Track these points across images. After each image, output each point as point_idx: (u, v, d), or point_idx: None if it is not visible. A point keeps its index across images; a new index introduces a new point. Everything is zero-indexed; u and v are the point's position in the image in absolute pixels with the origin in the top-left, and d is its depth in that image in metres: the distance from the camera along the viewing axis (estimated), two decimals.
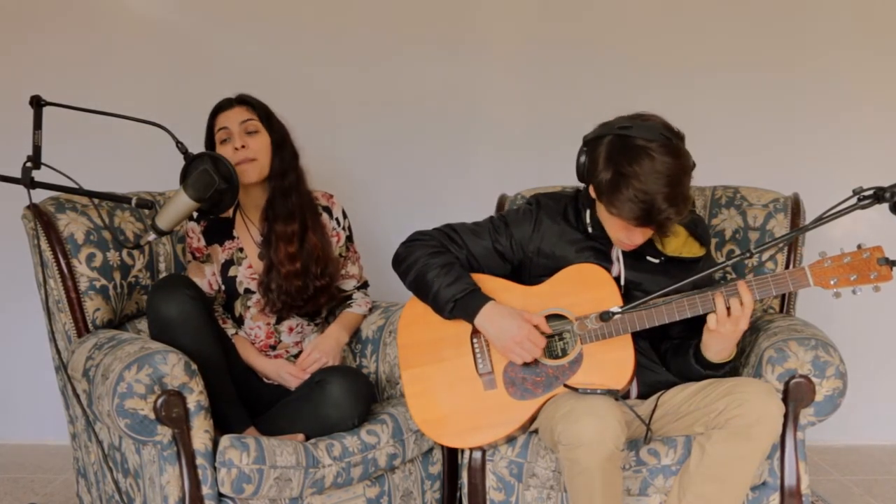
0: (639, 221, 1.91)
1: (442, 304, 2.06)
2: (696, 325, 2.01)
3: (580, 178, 2.05)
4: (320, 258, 2.35)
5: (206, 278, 2.35)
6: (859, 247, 1.87)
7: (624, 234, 1.99)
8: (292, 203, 2.33)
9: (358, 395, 2.15)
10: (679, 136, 1.95)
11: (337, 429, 2.14)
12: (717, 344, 1.96)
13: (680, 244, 2.11)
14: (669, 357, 2.12)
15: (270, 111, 2.37)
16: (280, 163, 2.33)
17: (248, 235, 2.38)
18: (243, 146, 2.28)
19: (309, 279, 2.33)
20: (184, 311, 2.06)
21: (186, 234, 2.40)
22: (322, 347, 2.34)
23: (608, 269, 2.08)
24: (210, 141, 2.35)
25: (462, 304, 2.05)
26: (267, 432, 2.14)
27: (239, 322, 2.38)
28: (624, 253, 2.08)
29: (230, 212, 2.39)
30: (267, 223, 2.35)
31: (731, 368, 2.04)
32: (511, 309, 2.03)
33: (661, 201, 1.87)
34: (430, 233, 2.17)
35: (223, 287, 2.37)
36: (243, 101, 2.35)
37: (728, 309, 1.89)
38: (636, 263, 2.09)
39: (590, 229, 2.10)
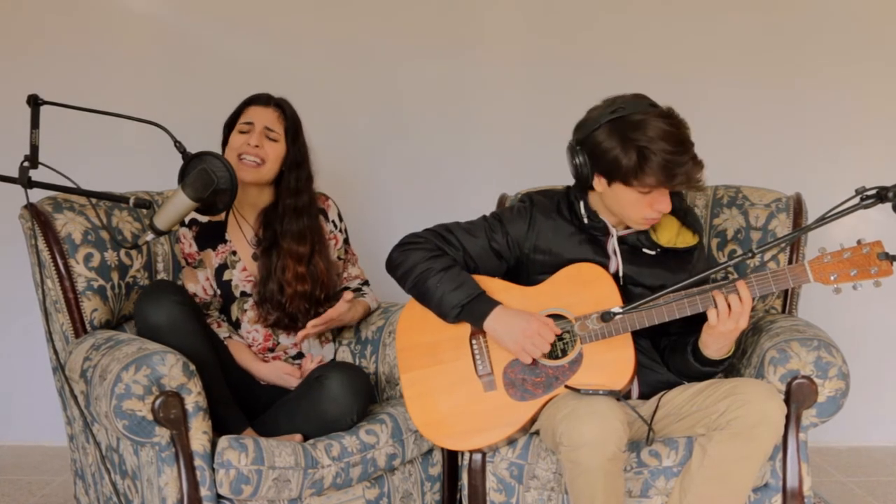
0: (679, 177, 1.92)
1: (447, 310, 2.05)
2: (694, 322, 2.00)
3: (579, 178, 2.05)
4: (325, 283, 2.34)
5: (200, 284, 2.34)
6: (859, 242, 1.87)
7: (651, 210, 1.99)
8: (304, 224, 2.33)
9: (356, 391, 2.14)
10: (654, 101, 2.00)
11: (336, 425, 2.13)
12: (717, 342, 1.96)
13: (673, 235, 2.12)
14: (668, 354, 2.11)
15: (300, 128, 2.36)
16: (296, 182, 2.33)
17: (241, 236, 2.37)
18: (258, 145, 2.27)
19: (312, 303, 2.32)
20: (171, 317, 2.05)
21: (178, 239, 2.38)
22: (338, 308, 2.31)
23: (605, 264, 2.07)
24: (232, 122, 2.34)
25: (469, 309, 2.04)
26: (266, 433, 2.13)
27: (236, 326, 2.37)
28: (621, 246, 2.08)
29: (222, 214, 2.37)
30: (267, 231, 2.33)
31: (728, 365, 2.04)
32: (518, 310, 2.03)
33: (688, 158, 1.92)
34: (424, 235, 2.15)
35: (219, 291, 2.35)
36: (280, 106, 2.33)
37: (729, 307, 1.88)
38: (633, 257, 2.08)
39: (585, 220, 2.09)
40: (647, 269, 2.08)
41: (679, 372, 2.08)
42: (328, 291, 2.36)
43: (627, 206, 2.01)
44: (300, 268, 2.30)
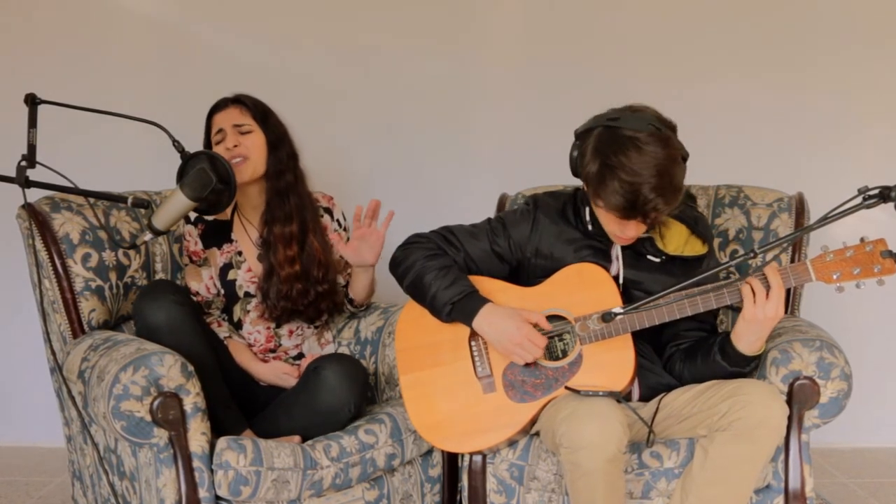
0: (624, 213, 1.89)
1: (440, 307, 2.04)
2: (706, 326, 1.98)
3: (574, 173, 2.04)
4: (321, 262, 2.33)
5: (204, 282, 2.33)
6: (862, 240, 1.85)
7: (616, 227, 1.98)
8: (290, 204, 2.31)
9: (353, 380, 2.14)
10: (670, 127, 1.94)
11: (334, 416, 2.12)
12: (753, 333, 1.90)
13: (682, 243, 2.09)
14: (680, 360, 2.07)
15: (268, 110, 2.35)
16: (276, 162, 2.31)
17: (246, 238, 2.36)
18: (235, 145, 2.26)
19: (310, 284, 2.31)
20: (170, 317, 2.04)
21: (183, 236, 2.37)
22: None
23: (607, 269, 2.06)
24: (207, 140, 2.34)
25: (460, 307, 2.03)
26: (264, 430, 2.13)
27: (238, 326, 2.36)
28: (624, 252, 2.07)
29: (228, 214, 2.37)
30: (266, 226, 2.33)
31: (755, 367, 1.98)
32: (509, 309, 2.01)
33: (647, 191, 1.85)
34: (427, 235, 2.15)
35: (222, 291, 2.35)
36: (239, 101, 2.33)
37: (766, 290, 1.84)
38: (636, 262, 2.07)
39: (590, 226, 2.08)
40: (649, 275, 2.06)
41: (695, 377, 2.02)
42: (327, 271, 2.34)
43: (599, 216, 2.02)
44: (290, 251, 2.29)
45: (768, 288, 1.85)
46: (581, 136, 1.99)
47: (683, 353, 2.07)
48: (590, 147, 1.93)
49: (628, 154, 1.85)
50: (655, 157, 1.86)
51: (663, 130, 1.90)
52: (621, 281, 2.05)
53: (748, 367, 1.96)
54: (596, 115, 1.99)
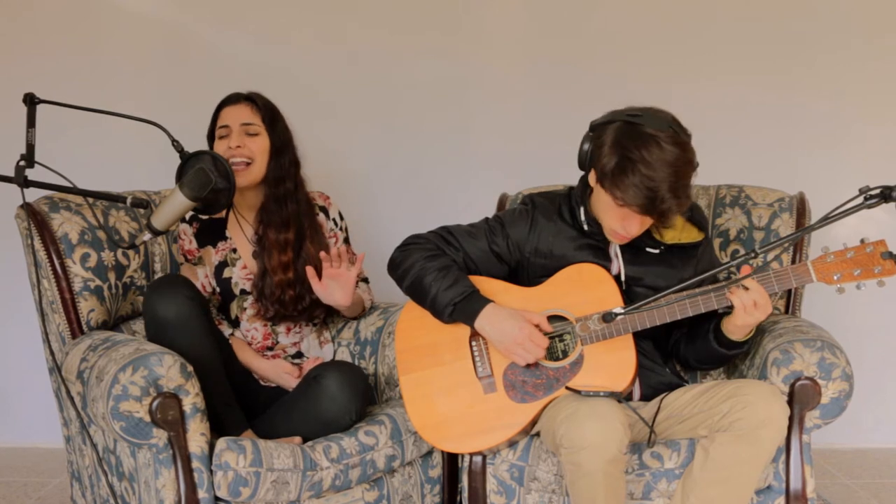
0: (641, 209, 1.90)
1: (441, 308, 2.04)
2: (704, 314, 1.98)
3: (581, 165, 2.04)
4: (318, 269, 2.31)
5: (199, 281, 2.33)
6: (862, 241, 1.86)
7: (620, 225, 1.98)
8: (287, 211, 2.30)
9: (354, 389, 2.13)
10: (686, 133, 1.95)
11: (334, 425, 2.11)
12: (742, 330, 1.98)
13: (678, 231, 2.11)
14: (684, 345, 2.12)
15: (277, 114, 2.34)
16: (278, 168, 2.30)
17: (241, 235, 2.35)
18: (238, 146, 2.25)
19: (305, 290, 2.30)
20: (181, 313, 2.03)
21: (178, 235, 2.37)
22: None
23: (607, 267, 2.06)
24: (212, 132, 2.33)
25: (461, 308, 2.02)
26: (265, 433, 2.12)
27: (235, 324, 2.35)
28: (622, 247, 2.06)
29: (223, 212, 2.36)
30: (261, 225, 2.32)
31: (749, 346, 2.06)
32: (511, 310, 2.01)
33: (665, 190, 1.87)
34: (426, 236, 2.14)
35: (218, 289, 2.34)
36: (250, 99, 2.32)
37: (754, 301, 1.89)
38: (635, 257, 2.07)
39: (585, 227, 2.08)
40: (650, 269, 2.07)
41: (700, 359, 2.10)
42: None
43: (602, 210, 2.01)
44: (284, 257, 2.28)
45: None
46: (597, 128, 1.99)
47: (686, 338, 2.11)
48: (608, 140, 1.93)
49: (650, 150, 1.87)
50: (675, 157, 1.88)
51: (681, 134, 1.92)
52: (623, 279, 2.05)
53: (742, 348, 2.03)
54: (613, 110, 2.00)
